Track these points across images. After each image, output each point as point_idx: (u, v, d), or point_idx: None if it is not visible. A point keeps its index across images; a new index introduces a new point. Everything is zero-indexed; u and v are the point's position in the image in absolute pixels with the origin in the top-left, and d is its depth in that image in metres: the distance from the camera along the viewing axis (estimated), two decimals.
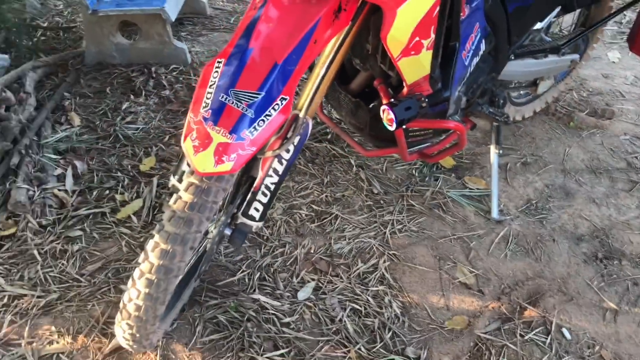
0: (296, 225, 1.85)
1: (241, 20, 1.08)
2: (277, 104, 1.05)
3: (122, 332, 1.27)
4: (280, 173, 1.35)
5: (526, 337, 1.52)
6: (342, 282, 1.66)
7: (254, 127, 1.03)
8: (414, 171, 2.06)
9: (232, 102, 1.02)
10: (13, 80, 2.36)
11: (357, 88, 1.57)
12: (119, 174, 2.06)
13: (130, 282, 1.20)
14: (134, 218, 1.88)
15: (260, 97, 1.03)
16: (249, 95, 1.03)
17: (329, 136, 2.20)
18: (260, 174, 1.35)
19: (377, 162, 2.10)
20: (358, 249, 1.76)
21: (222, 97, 1.03)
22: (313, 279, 1.67)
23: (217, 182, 1.16)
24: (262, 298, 1.61)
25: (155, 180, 2.01)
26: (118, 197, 1.95)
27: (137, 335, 1.25)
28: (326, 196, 1.96)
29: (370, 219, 1.87)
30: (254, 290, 1.63)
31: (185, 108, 2.42)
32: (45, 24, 3.05)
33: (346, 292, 1.63)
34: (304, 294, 1.63)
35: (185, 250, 1.16)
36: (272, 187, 1.37)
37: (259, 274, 1.69)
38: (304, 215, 1.89)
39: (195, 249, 1.20)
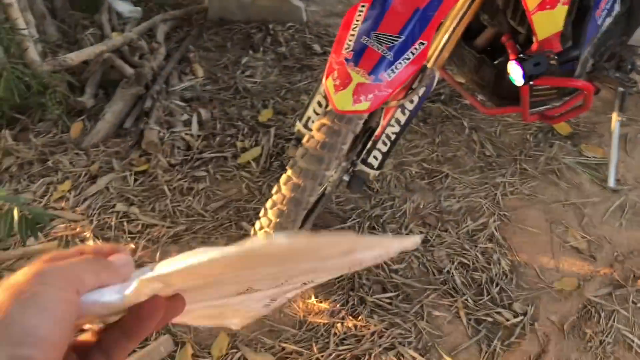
0: (406, 181, 1.90)
1: None
2: (415, 48, 1.09)
3: None
4: (402, 123, 1.40)
5: (639, 305, 1.50)
6: (451, 237, 1.69)
7: (392, 70, 1.08)
8: (528, 136, 2.04)
9: (373, 44, 1.08)
10: (145, 30, 2.53)
11: (482, 44, 1.57)
12: (239, 122, 2.17)
13: (262, 211, 1.30)
14: (253, 164, 1.99)
15: (400, 40, 1.08)
16: (389, 38, 1.08)
17: (442, 97, 2.21)
18: (382, 123, 1.40)
19: (491, 125, 2.09)
20: (468, 208, 1.79)
21: (364, 39, 1.08)
22: (422, 232, 1.72)
23: (347, 124, 1.23)
24: None
25: (272, 130, 2.11)
26: (238, 143, 2.07)
27: None
28: (437, 155, 1.98)
29: (481, 180, 1.88)
30: None
31: (300, 65, 2.51)
32: None
33: (454, 247, 1.66)
34: None
35: (315, 185, 1.24)
36: (393, 136, 1.42)
37: (368, 223, 1.75)
38: (414, 172, 1.93)
39: (322, 185, 1.27)
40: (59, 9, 2.61)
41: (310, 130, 1.49)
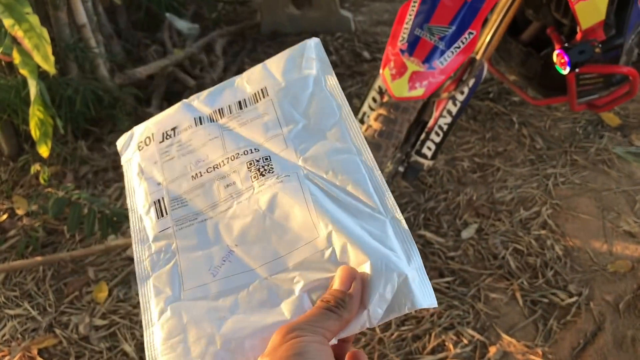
0: (458, 175, 1.97)
1: None
2: (465, 37, 1.18)
3: None
4: (454, 114, 1.48)
5: None
6: (505, 225, 1.75)
7: (444, 58, 1.18)
8: (577, 129, 2.09)
9: (426, 36, 1.17)
10: (204, 45, 2.69)
11: (528, 38, 1.64)
12: None
13: None
14: None
15: (450, 30, 1.17)
16: (441, 29, 1.17)
17: (491, 95, 2.28)
18: (434, 115, 1.49)
19: (540, 119, 2.15)
20: (520, 198, 1.85)
21: (417, 31, 1.18)
22: (476, 222, 1.78)
23: (403, 113, 1.32)
24: (428, 234, 1.75)
25: None
26: None
27: None
28: (488, 150, 2.05)
29: (532, 172, 1.94)
30: (420, 228, 1.78)
31: (350, 71, 2.61)
32: None
33: (508, 234, 1.72)
34: (467, 233, 1.75)
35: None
36: (445, 127, 1.50)
37: (423, 215, 1.83)
38: (465, 166, 2.00)
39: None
40: (123, 30, 2.80)
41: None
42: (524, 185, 1.89)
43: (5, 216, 2.03)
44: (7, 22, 1.45)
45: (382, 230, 0.46)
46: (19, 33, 1.43)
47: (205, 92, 0.58)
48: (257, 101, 0.55)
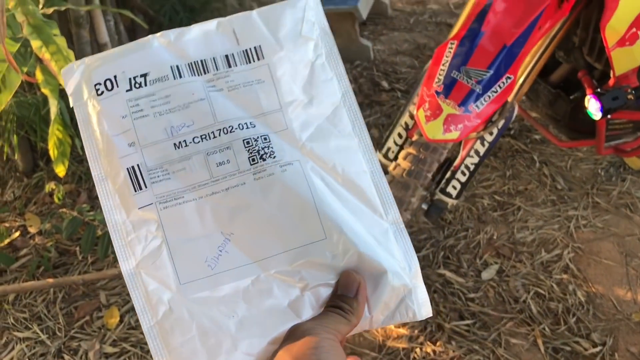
0: (478, 213, 1.94)
1: (472, 7, 1.20)
2: (502, 82, 1.16)
3: None
4: (481, 154, 1.46)
5: None
6: (526, 267, 1.72)
7: (481, 102, 1.16)
8: (599, 170, 2.06)
9: (463, 78, 1.15)
10: None
11: (557, 80, 1.63)
12: None
13: None
14: None
15: (488, 74, 1.15)
16: (478, 73, 1.16)
17: (512, 132, 2.26)
18: (461, 154, 1.47)
19: (561, 159, 2.12)
20: (541, 239, 1.81)
21: (454, 73, 1.16)
22: (496, 262, 1.75)
23: (432, 153, 1.30)
24: (448, 274, 1.72)
25: None
26: None
27: None
28: (508, 188, 2.02)
29: (553, 213, 1.91)
30: (439, 266, 1.75)
31: (369, 100, 2.60)
32: None
33: (529, 277, 1.69)
34: (487, 274, 1.71)
35: (401, 211, 1.31)
36: (472, 167, 1.48)
37: (442, 252, 1.80)
38: (485, 204, 1.97)
39: (408, 211, 1.34)
40: None
41: (390, 160, 1.57)
42: (545, 227, 1.86)
43: (17, 234, 2.00)
44: (35, 43, 1.43)
45: (385, 236, 0.46)
46: (46, 55, 1.42)
47: (180, 32, 0.47)
48: (249, 62, 0.47)
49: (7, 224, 2.05)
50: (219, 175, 0.44)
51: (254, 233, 0.44)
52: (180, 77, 0.46)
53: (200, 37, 0.48)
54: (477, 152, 1.46)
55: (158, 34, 0.48)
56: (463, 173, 1.48)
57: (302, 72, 0.48)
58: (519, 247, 1.80)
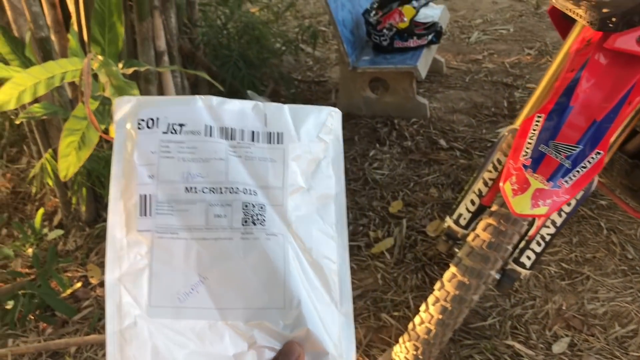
0: (545, 281, 1.88)
1: (558, 81, 1.19)
2: (592, 157, 1.14)
3: (404, 352, 1.40)
4: (558, 225, 1.42)
5: None
6: (599, 342, 1.65)
7: (570, 177, 1.13)
8: None
9: (552, 153, 1.13)
10: None
11: (633, 149, 1.59)
12: (370, 213, 2.26)
13: (423, 306, 1.34)
14: (386, 254, 2.05)
15: (578, 149, 1.13)
16: (567, 148, 1.13)
17: None
18: (537, 224, 1.43)
19: (630, 226, 2.06)
20: (614, 312, 1.74)
21: (542, 147, 1.14)
22: (567, 335, 1.68)
23: (513, 225, 1.27)
24: (517, 345, 1.66)
25: (404, 222, 2.18)
26: (371, 233, 2.14)
27: (421, 357, 1.38)
28: (575, 256, 1.96)
29: (625, 284, 1.84)
30: (507, 337, 1.69)
31: (427, 158, 2.59)
32: (299, 78, 3.46)
33: (604, 353, 1.62)
34: (558, 347, 1.65)
35: (480, 284, 1.28)
36: (548, 237, 1.43)
37: (510, 322, 1.74)
38: (552, 272, 1.91)
39: (486, 285, 1.30)
40: None
41: (462, 227, 1.54)
42: (617, 299, 1.78)
43: (79, 284, 2.02)
44: None
45: (334, 323, 0.51)
46: None
47: (221, 100, 0.55)
48: (270, 142, 0.55)
49: (69, 274, 2.08)
50: (213, 225, 0.51)
51: (225, 283, 0.50)
52: (210, 136, 0.53)
53: (237, 110, 0.55)
54: (553, 223, 1.42)
55: (203, 97, 0.55)
56: (538, 243, 1.44)
57: (309, 165, 0.55)
58: (590, 319, 1.73)
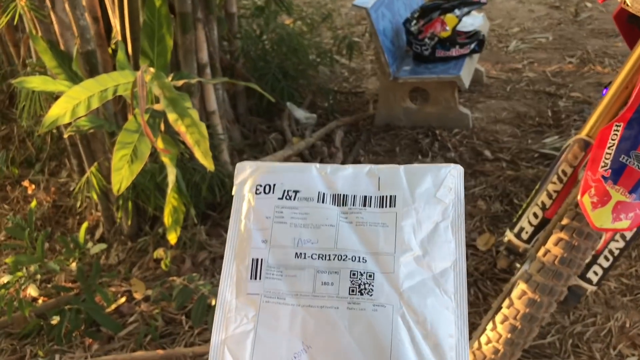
0: (605, 297, 1.80)
1: (637, 88, 1.13)
2: None
3: None
4: (628, 239, 1.36)
5: None
6: None
7: None
8: None
9: (633, 164, 1.07)
10: (322, 136, 2.68)
11: None
12: None
13: (490, 325, 1.28)
14: None
15: None
16: None
17: None
18: (605, 237, 1.36)
19: None
20: None
21: (623, 158, 1.08)
22: (634, 354, 1.60)
23: (587, 239, 1.20)
24: None
25: None
26: None
27: None
28: (636, 270, 1.88)
29: None
30: (569, 356, 1.62)
31: (472, 170, 2.52)
32: (335, 89, 3.42)
33: None
34: None
35: (552, 301, 1.21)
36: (617, 252, 1.37)
37: (570, 340, 1.67)
38: (612, 287, 1.83)
39: (558, 302, 1.24)
40: (241, 115, 2.85)
41: (524, 241, 1.48)
42: None
43: (123, 299, 2.00)
44: (172, 116, 1.45)
45: None
46: (181, 128, 1.43)
47: (335, 167, 0.57)
48: (382, 206, 0.54)
49: (112, 289, 2.06)
50: (320, 292, 0.51)
51: (329, 354, 0.48)
52: (323, 202, 0.54)
53: (350, 175, 0.56)
54: (622, 236, 1.35)
55: (319, 165, 0.57)
56: (606, 258, 1.38)
57: (425, 228, 0.53)
58: None
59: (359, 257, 0.51)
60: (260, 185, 0.56)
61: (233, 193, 0.57)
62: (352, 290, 0.50)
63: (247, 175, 0.57)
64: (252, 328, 0.50)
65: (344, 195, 0.55)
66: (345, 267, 0.51)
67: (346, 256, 0.51)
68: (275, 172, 0.57)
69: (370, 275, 0.51)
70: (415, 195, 0.54)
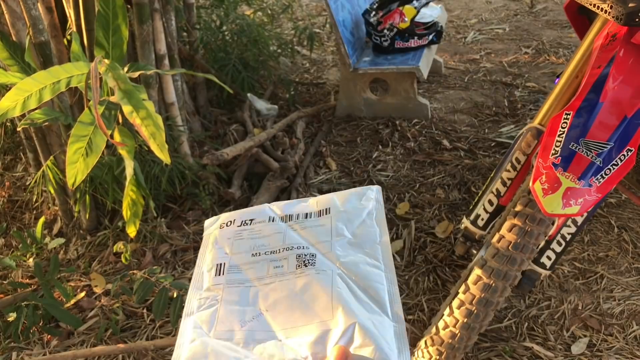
0: (559, 281, 1.86)
1: (585, 78, 1.17)
2: (623, 155, 1.11)
3: (427, 358, 1.37)
4: (579, 224, 1.40)
5: None
6: (618, 342, 1.63)
7: (601, 175, 1.10)
8: None
9: (582, 151, 1.11)
10: (284, 127, 2.68)
11: None
12: None
13: (447, 310, 1.31)
14: (396, 257, 2.01)
15: (609, 147, 1.11)
16: (598, 145, 1.11)
17: None
18: (557, 223, 1.40)
19: None
20: (631, 311, 1.72)
21: (572, 145, 1.11)
22: (585, 335, 1.66)
23: (539, 225, 1.24)
24: (535, 347, 1.63)
25: (412, 224, 2.15)
26: None
27: None
28: (588, 255, 1.94)
29: None
30: (524, 339, 1.66)
31: (430, 159, 2.56)
32: (297, 80, 3.42)
33: (624, 353, 1.59)
34: (578, 348, 1.62)
35: (506, 286, 1.25)
36: (568, 237, 1.41)
37: (526, 323, 1.72)
38: (566, 271, 1.89)
39: (512, 286, 1.28)
40: (201, 107, 2.82)
41: (479, 227, 1.52)
42: (633, 297, 1.77)
43: (83, 294, 1.97)
44: (126, 109, 1.42)
45: (385, 328, 0.55)
46: (136, 120, 1.41)
47: (283, 203, 0.73)
48: (320, 216, 0.69)
49: (72, 284, 2.03)
50: (273, 274, 0.62)
51: (283, 312, 0.58)
52: (273, 222, 0.69)
53: (294, 205, 0.72)
54: (574, 222, 1.40)
55: (274, 206, 0.72)
56: (559, 243, 1.42)
57: (354, 223, 0.67)
58: (608, 319, 1.71)
59: (303, 246, 0.64)
60: (224, 223, 0.71)
61: (203, 240, 0.71)
62: (298, 266, 0.62)
63: (211, 224, 0.72)
64: (215, 306, 0.60)
65: (289, 215, 0.70)
66: (292, 254, 0.64)
67: (292, 247, 0.64)
68: (235, 214, 0.72)
69: (312, 255, 0.63)
70: (345, 205, 0.70)
